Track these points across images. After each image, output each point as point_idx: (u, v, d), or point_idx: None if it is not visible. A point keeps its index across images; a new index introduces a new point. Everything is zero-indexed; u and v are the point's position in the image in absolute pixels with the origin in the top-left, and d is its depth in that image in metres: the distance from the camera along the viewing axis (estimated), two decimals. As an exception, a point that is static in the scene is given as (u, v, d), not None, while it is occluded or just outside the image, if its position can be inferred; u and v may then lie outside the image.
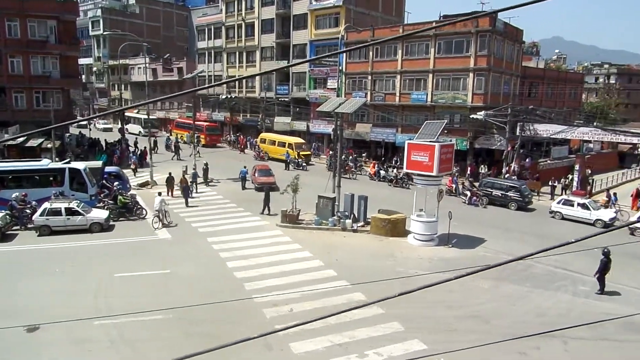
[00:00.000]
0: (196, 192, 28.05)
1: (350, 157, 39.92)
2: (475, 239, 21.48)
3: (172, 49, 71.39)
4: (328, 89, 45.42)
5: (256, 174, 30.12)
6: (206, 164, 31.59)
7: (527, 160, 37.15)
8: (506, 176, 33.46)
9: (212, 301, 12.82)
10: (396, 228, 21.62)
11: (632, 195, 30.32)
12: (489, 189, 29.53)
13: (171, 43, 74.22)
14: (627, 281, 17.35)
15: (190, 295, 14.23)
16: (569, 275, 16.95)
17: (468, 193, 27.93)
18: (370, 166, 36.67)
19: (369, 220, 22.21)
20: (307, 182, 29.00)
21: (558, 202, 26.87)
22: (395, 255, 19.10)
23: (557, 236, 21.96)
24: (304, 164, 38.47)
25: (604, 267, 15.94)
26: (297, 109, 48.34)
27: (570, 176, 34.47)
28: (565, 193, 30.94)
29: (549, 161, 39.65)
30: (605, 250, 16.02)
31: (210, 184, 31.20)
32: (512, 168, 34.41)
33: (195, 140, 44.48)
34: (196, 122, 52.10)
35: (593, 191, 33.71)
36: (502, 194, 28.95)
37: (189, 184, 27.03)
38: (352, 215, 22.55)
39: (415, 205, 21.09)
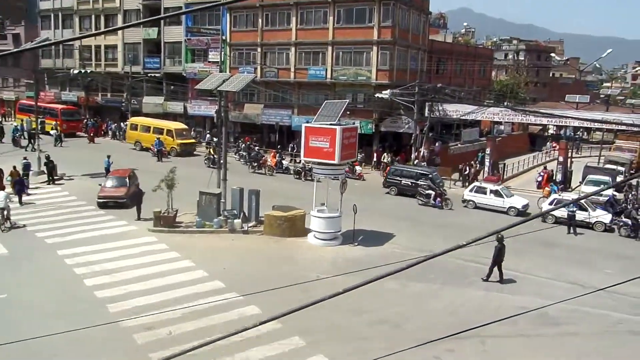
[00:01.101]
0: (30, 189, 26.54)
1: (244, 145, 39.61)
2: (383, 234, 22.38)
3: (6, 9, 65.24)
4: (209, 62, 44.71)
5: (107, 183, 25.66)
6: (48, 157, 29.47)
7: (436, 144, 39.50)
8: (415, 162, 35.33)
9: (63, 330, 11.87)
10: (294, 226, 21.82)
11: (538, 180, 34.05)
12: (398, 178, 31.05)
13: (4, 1, 67.78)
14: (539, 270, 19.17)
15: (34, 325, 13.13)
16: (481, 268, 18.28)
17: (431, 193, 28.66)
18: (270, 156, 36.68)
19: (262, 218, 22.23)
20: (189, 176, 28.35)
21: (470, 190, 28.96)
22: (294, 258, 19.28)
23: (470, 227, 23.65)
24: (214, 156, 36.10)
25: (498, 254, 17.52)
26: (172, 87, 47.02)
27: (477, 160, 37.44)
28: (473, 180, 33.47)
29: (459, 145, 42.56)
30: (499, 236, 17.53)
31: (58, 181, 29.26)
32: (421, 153, 36.37)
33: (57, 128, 41.04)
34: (49, 105, 48.57)
35: (504, 176, 36.80)
36: (412, 182, 30.55)
37: (22, 177, 25.94)
38: (241, 214, 22.37)
39: (316, 199, 21.45)
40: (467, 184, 32.64)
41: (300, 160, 31.17)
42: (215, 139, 34.84)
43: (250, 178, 32.36)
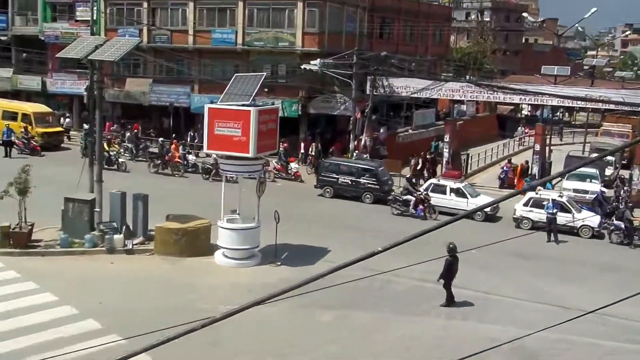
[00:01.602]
0: None
1: (129, 134, 38.64)
2: (316, 249, 22.49)
3: None
4: (77, 21, 43.81)
5: None
6: None
7: (381, 130, 40.17)
8: (355, 154, 35.73)
9: None
10: (196, 242, 21.59)
11: (501, 177, 35.43)
12: (334, 175, 31.42)
13: None
14: (512, 289, 19.83)
15: None
16: (442, 290, 18.64)
17: (411, 198, 28.76)
18: (172, 147, 35.99)
19: (153, 233, 21.83)
20: (53, 177, 27.61)
21: (426, 189, 29.64)
22: (196, 286, 19.04)
23: (426, 236, 24.08)
24: (118, 158, 34.61)
25: (449, 269, 17.93)
26: (24, 54, 45.53)
27: (432, 150, 38.39)
28: (428, 175, 34.28)
29: (410, 131, 43.44)
30: (451, 245, 18.01)
31: None
32: (362, 142, 36.87)
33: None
34: None
35: (467, 171, 37.89)
36: (352, 181, 31.01)
37: None
38: (124, 228, 21.88)
39: (226, 205, 21.29)
40: (421, 180, 33.38)
41: (210, 155, 30.84)
42: (87, 126, 33.67)
43: (149, 179, 31.99)
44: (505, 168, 36.50)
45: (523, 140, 51.05)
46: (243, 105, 20.76)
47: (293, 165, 35.09)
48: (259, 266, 20.93)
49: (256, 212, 21.24)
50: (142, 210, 22.30)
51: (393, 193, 29.98)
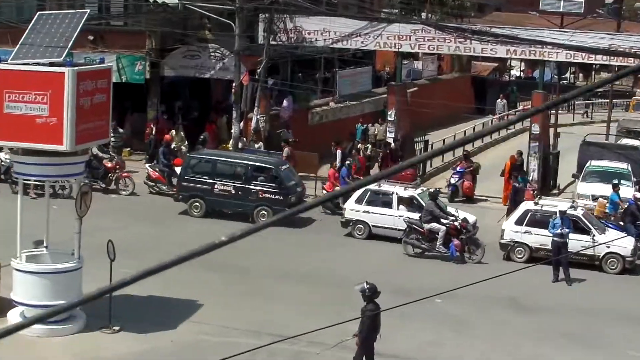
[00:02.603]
0: None
1: None
2: (177, 303, 22.67)
3: None
4: None
5: None
6: None
7: (284, 103, 40.25)
8: (241, 144, 36.10)
9: None
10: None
11: (452, 184, 35.69)
12: (205, 179, 31.46)
13: None
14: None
15: None
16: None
17: (439, 227, 28.37)
18: None
19: None
20: None
21: (357, 200, 30.02)
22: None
23: (361, 273, 24.44)
24: None
25: (372, 325, 18.24)
26: None
27: (357, 137, 38.76)
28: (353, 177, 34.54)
29: (332, 104, 43.72)
30: (367, 287, 18.38)
31: None
32: (253, 124, 37.21)
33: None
34: None
35: (427, 169, 38.56)
36: (236, 188, 31.17)
37: None
38: None
39: (23, 232, 21.07)
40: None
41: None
42: None
43: None
44: (458, 169, 36.76)
45: (503, 119, 52.43)
46: (52, 64, 20.57)
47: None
48: (82, 333, 20.75)
49: (76, 243, 21.04)
50: None
51: (409, 219, 29.49)
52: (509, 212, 31.09)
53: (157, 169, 34.65)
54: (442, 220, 28.58)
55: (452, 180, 36.27)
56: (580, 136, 39.88)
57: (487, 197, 36.36)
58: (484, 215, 31.67)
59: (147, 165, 35.53)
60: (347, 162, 34.78)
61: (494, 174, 37.39)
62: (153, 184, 34.55)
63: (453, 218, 28.75)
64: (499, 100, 56.88)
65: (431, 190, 30.98)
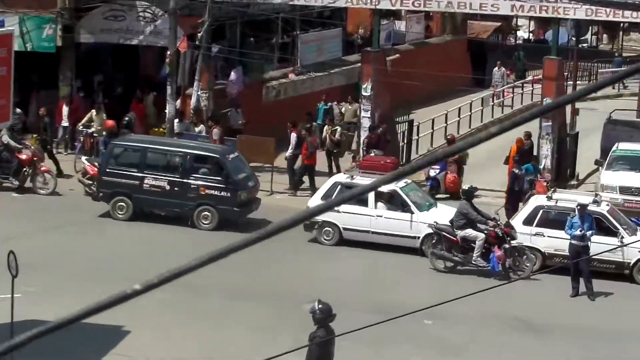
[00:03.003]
0: None
1: None
2: (103, 329, 21.94)
3: None
4: None
5: None
6: None
7: (232, 75, 39.90)
8: (177, 126, 35.85)
9: None
10: None
11: (431, 177, 35.21)
12: (132, 172, 31.14)
13: None
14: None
15: None
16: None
17: (476, 234, 27.80)
18: None
19: None
20: None
21: (325, 195, 29.75)
22: None
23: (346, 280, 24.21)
24: None
25: (322, 356, 17.95)
26: None
27: (319, 119, 38.55)
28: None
29: (293, 76, 43.44)
30: (319, 308, 17.93)
31: None
32: (192, 102, 37.05)
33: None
34: None
35: (414, 153, 38.47)
36: (171, 183, 30.81)
37: None
38: None
39: None
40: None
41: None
42: None
43: None
44: (434, 170, 35.59)
45: (500, 95, 52.75)
46: None
47: None
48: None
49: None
50: None
51: (436, 225, 28.88)
52: (508, 204, 31.54)
53: (95, 164, 33.78)
54: (479, 225, 28.13)
55: (432, 173, 35.61)
56: (605, 113, 39.70)
57: (488, 191, 35.80)
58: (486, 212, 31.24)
59: (83, 158, 34.84)
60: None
61: (497, 162, 37.06)
62: (91, 182, 33.62)
63: (494, 223, 28.15)
64: (496, 68, 56.21)
65: (465, 187, 30.48)
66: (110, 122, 35.27)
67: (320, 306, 17.19)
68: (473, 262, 27.59)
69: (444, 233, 28.06)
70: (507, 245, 27.29)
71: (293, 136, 35.93)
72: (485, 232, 27.61)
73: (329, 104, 40.31)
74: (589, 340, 23.47)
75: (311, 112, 39.89)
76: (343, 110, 40.96)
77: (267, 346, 20.61)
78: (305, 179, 35.25)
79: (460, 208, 28.25)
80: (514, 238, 27.54)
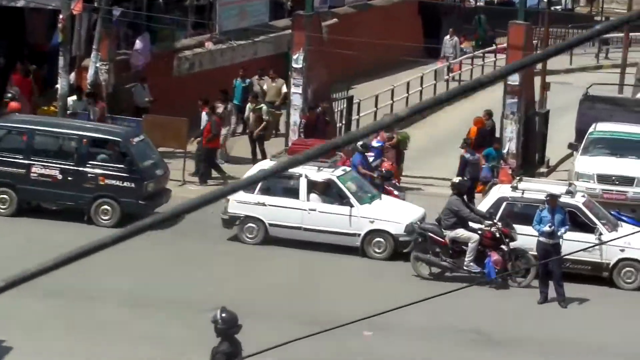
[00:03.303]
0: None
1: None
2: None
3: None
4: None
5: None
6: None
7: (137, 44, 39.84)
8: (71, 105, 35.12)
9: None
10: None
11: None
12: (16, 158, 31.03)
13: None
14: None
15: None
16: None
17: (470, 235, 27.86)
18: None
19: None
20: None
21: (265, 189, 29.74)
22: None
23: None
24: None
25: None
26: None
27: (235, 99, 38.52)
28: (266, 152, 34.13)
29: (210, 45, 43.35)
30: (220, 316, 17.70)
31: None
32: (89, 75, 36.64)
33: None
34: None
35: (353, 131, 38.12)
36: (63, 171, 30.59)
37: None
38: None
39: None
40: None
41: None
42: None
43: None
44: (373, 144, 35.57)
45: (451, 67, 53.15)
46: None
47: None
48: None
49: None
50: None
51: (420, 225, 29.10)
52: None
53: None
54: (472, 224, 28.20)
55: (365, 159, 35.19)
56: (581, 88, 39.75)
57: (441, 180, 35.67)
58: (437, 206, 30.99)
59: None
60: (360, 145, 33.79)
61: (453, 146, 37.07)
62: None
63: (490, 222, 28.10)
64: (448, 36, 56.61)
65: (455, 180, 30.28)
66: (14, 105, 34.63)
67: (223, 315, 17.05)
68: (465, 267, 27.69)
69: (429, 234, 28.00)
70: (505, 248, 27.39)
71: (204, 115, 35.66)
72: (480, 232, 27.74)
73: (248, 80, 39.71)
74: (560, 356, 23.48)
75: (227, 90, 39.56)
76: (265, 87, 40.42)
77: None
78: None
79: (449, 204, 28.26)
80: (513, 240, 27.48)
